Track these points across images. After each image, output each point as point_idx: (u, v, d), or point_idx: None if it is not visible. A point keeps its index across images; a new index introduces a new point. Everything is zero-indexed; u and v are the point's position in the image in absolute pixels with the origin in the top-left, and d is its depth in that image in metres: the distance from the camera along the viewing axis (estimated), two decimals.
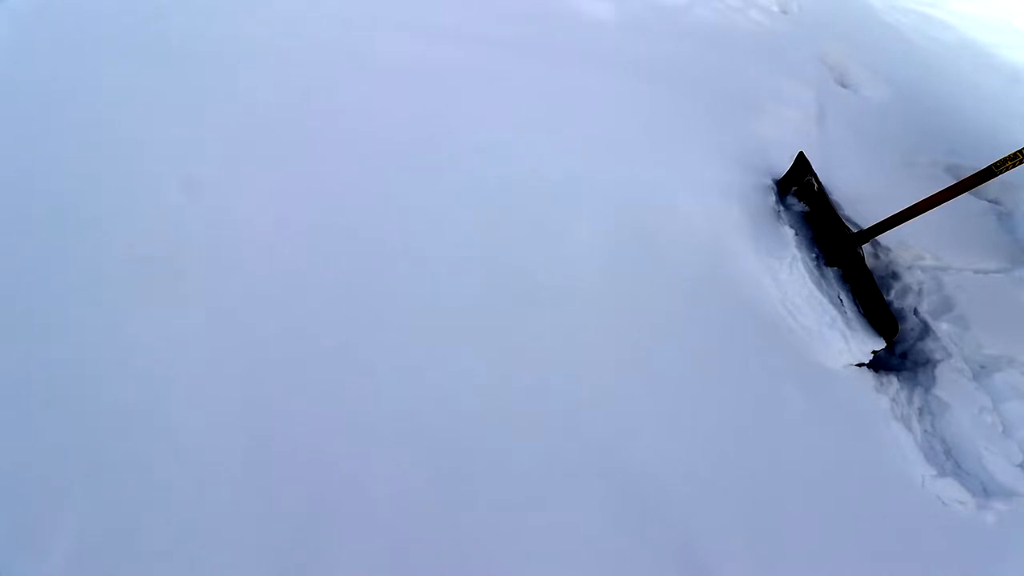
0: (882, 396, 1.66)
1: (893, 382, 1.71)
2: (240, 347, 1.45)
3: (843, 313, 1.71)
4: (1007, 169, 1.58)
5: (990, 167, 1.61)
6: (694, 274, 1.83)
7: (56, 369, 1.34)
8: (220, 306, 1.52)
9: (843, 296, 1.76)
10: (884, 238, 2.12)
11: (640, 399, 1.54)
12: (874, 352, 1.68)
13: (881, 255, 2.10)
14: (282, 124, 2.02)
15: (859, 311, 1.74)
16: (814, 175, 1.97)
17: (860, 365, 1.73)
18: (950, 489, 1.49)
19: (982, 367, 1.83)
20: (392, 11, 2.66)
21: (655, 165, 2.16)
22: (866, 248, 2.10)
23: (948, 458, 1.61)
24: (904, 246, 2.13)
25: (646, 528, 1.31)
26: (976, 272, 2.13)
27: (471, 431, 1.40)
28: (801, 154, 2.03)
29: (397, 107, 2.20)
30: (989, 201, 2.57)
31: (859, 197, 2.24)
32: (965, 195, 2.52)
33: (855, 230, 2.01)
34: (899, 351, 1.91)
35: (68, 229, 1.60)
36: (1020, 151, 1.55)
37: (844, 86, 3.08)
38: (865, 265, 1.81)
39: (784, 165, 2.20)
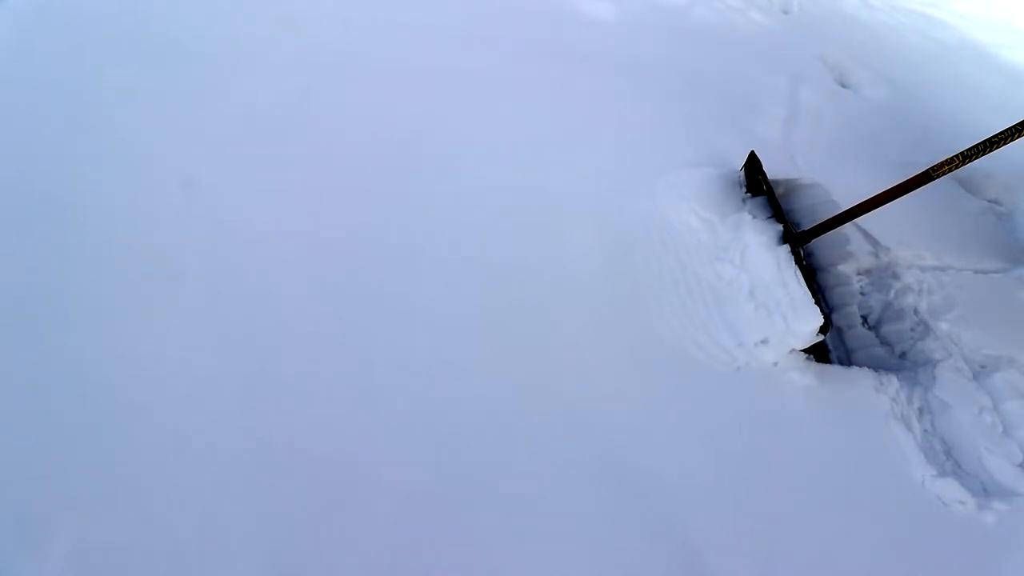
0: (882, 396, 1.66)
1: (893, 382, 1.71)
2: (240, 347, 1.45)
3: (788, 296, 1.68)
4: (944, 173, 1.61)
5: (927, 171, 1.64)
6: (674, 273, 1.84)
7: (56, 369, 1.34)
8: (220, 306, 1.52)
9: (789, 279, 1.73)
10: (884, 238, 2.12)
11: (639, 399, 1.54)
12: (821, 331, 1.64)
13: (881, 255, 2.10)
14: (282, 124, 2.02)
15: (805, 292, 1.70)
16: (763, 174, 1.99)
17: (812, 350, 1.72)
18: (950, 489, 1.49)
19: (982, 367, 1.83)
20: (392, 11, 2.66)
21: (653, 167, 2.16)
22: (866, 248, 2.10)
23: (948, 458, 1.61)
24: (904, 246, 2.13)
25: (646, 528, 1.31)
26: (976, 272, 2.13)
27: (471, 431, 1.40)
28: (752, 153, 2.05)
29: (397, 108, 2.20)
30: (989, 201, 2.57)
31: (858, 197, 2.24)
32: (965, 195, 2.54)
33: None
34: (899, 351, 1.91)
35: (68, 229, 1.61)
36: (957, 155, 1.58)
37: (844, 86, 3.08)
38: (804, 264, 1.81)
39: (779, 164, 2.20)
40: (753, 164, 2.05)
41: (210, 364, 1.40)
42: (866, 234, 2.12)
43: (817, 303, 1.68)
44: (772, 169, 2.27)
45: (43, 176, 1.72)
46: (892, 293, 2.02)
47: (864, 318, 2.01)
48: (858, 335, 1.96)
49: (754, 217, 1.91)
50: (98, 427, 1.27)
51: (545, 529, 1.28)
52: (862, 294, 2.07)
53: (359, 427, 1.36)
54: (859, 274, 2.10)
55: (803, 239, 1.88)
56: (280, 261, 1.64)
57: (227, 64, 2.19)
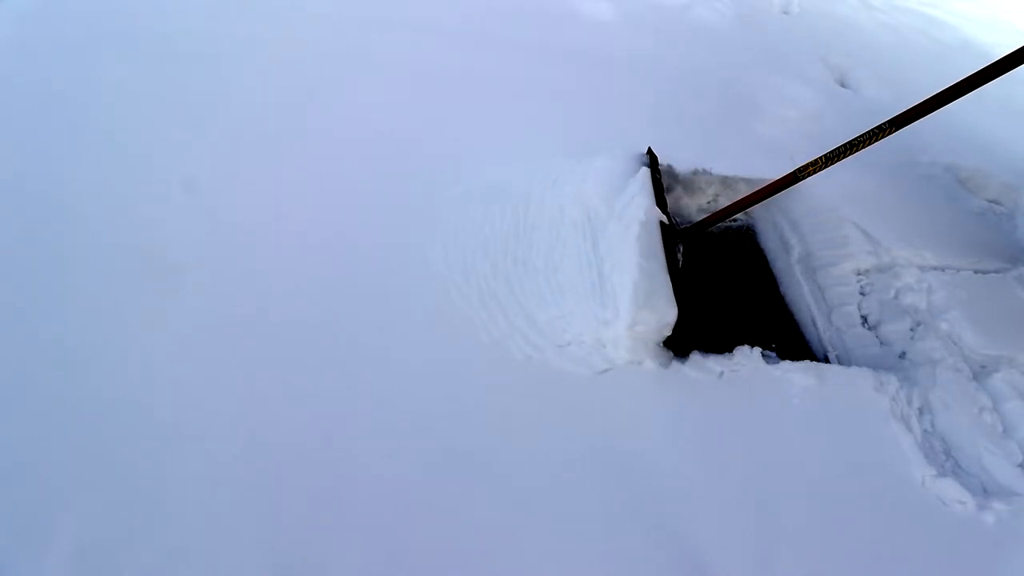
0: (882, 396, 1.66)
1: (893, 382, 1.71)
2: (240, 347, 1.45)
3: (631, 280, 1.60)
4: (809, 174, 1.64)
5: (794, 172, 1.68)
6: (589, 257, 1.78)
7: (56, 369, 1.34)
8: (220, 304, 1.52)
9: (652, 265, 1.65)
10: (884, 238, 2.12)
11: (637, 398, 1.54)
12: (674, 326, 1.58)
13: (881, 255, 2.10)
14: (279, 123, 2.02)
15: (667, 280, 1.63)
16: (657, 171, 1.99)
17: (670, 343, 1.64)
18: (950, 489, 1.49)
19: (982, 367, 1.83)
20: (391, 10, 2.66)
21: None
22: (866, 248, 2.10)
23: (948, 458, 1.60)
24: (904, 245, 2.12)
25: (646, 527, 1.31)
26: (976, 272, 2.12)
27: (471, 431, 1.40)
28: (649, 148, 2.06)
29: (395, 108, 2.20)
30: (989, 201, 2.57)
31: (858, 196, 2.25)
32: (965, 194, 2.54)
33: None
34: (899, 351, 1.91)
35: (68, 227, 1.61)
36: (821, 157, 1.60)
37: (844, 86, 3.08)
38: (677, 260, 1.78)
39: (779, 164, 2.20)
40: (650, 161, 2.05)
41: (210, 364, 1.41)
42: (866, 234, 2.12)
43: (677, 294, 1.59)
44: (773, 169, 2.27)
45: (43, 175, 1.72)
46: (892, 293, 2.01)
47: (864, 318, 2.01)
48: (858, 335, 1.96)
49: (634, 197, 1.82)
50: (98, 427, 1.27)
51: (545, 529, 1.28)
52: (862, 294, 2.06)
53: (359, 425, 1.36)
54: (859, 274, 2.10)
55: (682, 236, 1.91)
56: (280, 260, 1.64)
57: (227, 64, 2.19)
